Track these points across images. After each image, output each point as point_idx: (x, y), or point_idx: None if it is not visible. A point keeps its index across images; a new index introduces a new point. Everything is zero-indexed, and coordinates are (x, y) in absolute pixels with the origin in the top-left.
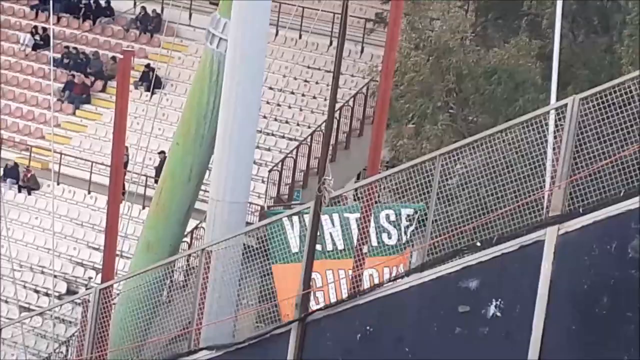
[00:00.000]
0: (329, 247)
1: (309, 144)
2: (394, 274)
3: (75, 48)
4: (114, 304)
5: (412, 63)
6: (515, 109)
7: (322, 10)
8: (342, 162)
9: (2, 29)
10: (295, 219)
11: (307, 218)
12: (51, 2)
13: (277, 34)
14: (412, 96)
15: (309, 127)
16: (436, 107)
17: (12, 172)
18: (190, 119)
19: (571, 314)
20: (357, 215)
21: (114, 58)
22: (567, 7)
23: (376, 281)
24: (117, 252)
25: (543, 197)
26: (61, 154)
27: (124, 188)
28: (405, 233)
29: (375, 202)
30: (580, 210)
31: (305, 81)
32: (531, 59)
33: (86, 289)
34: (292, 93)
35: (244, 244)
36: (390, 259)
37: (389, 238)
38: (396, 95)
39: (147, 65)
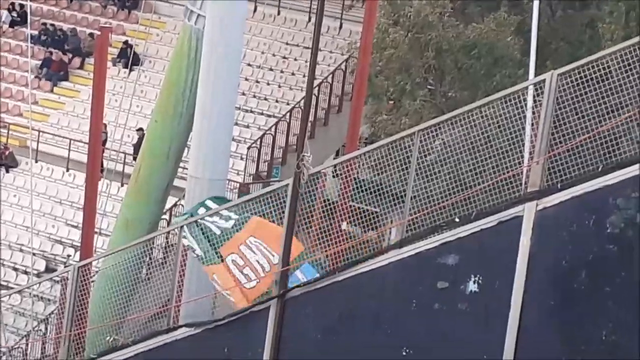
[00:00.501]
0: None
1: (287, 120)
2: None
3: (52, 25)
4: (92, 281)
5: (391, 39)
6: (493, 84)
7: None
8: (321, 139)
9: None
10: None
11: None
12: None
13: (255, 10)
14: (391, 72)
15: (287, 104)
16: (415, 83)
17: None
18: (169, 96)
19: (550, 290)
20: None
21: (91, 35)
22: None
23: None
24: (96, 230)
25: (521, 172)
26: (39, 131)
27: (102, 165)
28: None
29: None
30: (559, 185)
31: (284, 58)
32: (510, 34)
33: (65, 267)
34: (271, 70)
35: None
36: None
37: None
38: (375, 71)
39: (125, 42)
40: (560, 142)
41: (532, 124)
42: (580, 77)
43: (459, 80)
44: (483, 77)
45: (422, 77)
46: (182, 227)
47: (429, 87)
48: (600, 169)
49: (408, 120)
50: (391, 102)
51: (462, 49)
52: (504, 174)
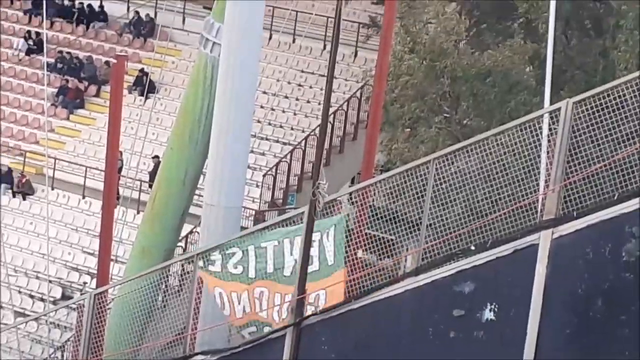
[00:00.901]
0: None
1: (303, 148)
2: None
3: (68, 53)
4: (109, 309)
5: (406, 66)
6: (507, 110)
7: (315, 14)
8: (337, 166)
9: None
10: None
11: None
12: (44, 6)
13: (270, 38)
14: (406, 100)
15: (303, 132)
16: (430, 110)
17: (6, 177)
18: (185, 123)
19: (566, 318)
20: (274, 242)
21: (107, 63)
22: (561, 10)
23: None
24: (112, 257)
25: (537, 200)
26: (55, 158)
27: (118, 193)
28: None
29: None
30: (575, 213)
31: (299, 85)
32: (525, 62)
33: (81, 294)
34: (286, 97)
35: None
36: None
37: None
38: (390, 99)
39: (141, 70)
40: (576, 170)
41: (548, 152)
42: (596, 105)
43: (474, 108)
44: (498, 104)
45: (438, 104)
46: (197, 255)
47: (444, 114)
48: (616, 197)
49: (423, 148)
50: (407, 129)
51: (477, 76)
52: (519, 202)
